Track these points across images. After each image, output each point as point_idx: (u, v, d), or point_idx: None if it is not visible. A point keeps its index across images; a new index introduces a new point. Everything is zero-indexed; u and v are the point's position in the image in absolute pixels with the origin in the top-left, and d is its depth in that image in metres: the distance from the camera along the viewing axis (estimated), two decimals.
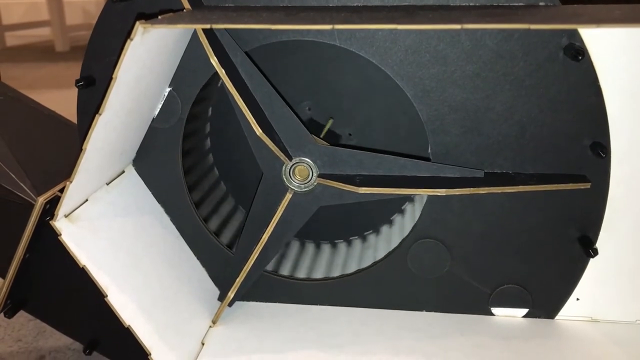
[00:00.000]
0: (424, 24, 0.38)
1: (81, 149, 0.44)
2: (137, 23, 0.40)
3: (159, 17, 0.43)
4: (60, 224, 0.46)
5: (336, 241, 0.69)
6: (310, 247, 0.69)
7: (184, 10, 0.49)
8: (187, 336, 0.53)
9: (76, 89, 0.55)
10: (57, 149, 0.69)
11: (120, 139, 0.50)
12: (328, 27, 0.39)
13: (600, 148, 0.51)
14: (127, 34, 0.40)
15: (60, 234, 0.46)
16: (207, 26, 0.41)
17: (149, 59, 0.45)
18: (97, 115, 0.42)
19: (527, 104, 0.51)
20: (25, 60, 2.64)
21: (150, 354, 0.48)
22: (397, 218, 0.66)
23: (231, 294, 0.57)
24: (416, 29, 0.42)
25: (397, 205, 0.66)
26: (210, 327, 0.57)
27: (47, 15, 2.87)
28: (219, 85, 0.62)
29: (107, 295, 0.47)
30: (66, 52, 2.82)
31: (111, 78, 0.41)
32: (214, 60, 0.48)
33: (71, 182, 0.44)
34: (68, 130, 0.72)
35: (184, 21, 0.42)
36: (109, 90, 0.41)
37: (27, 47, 3.00)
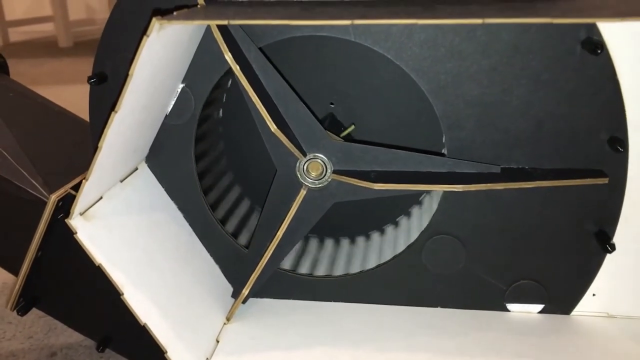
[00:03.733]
0: (444, 19, 0.38)
1: (96, 147, 0.43)
2: (154, 19, 0.39)
3: (174, 13, 0.43)
4: (75, 222, 0.46)
5: (355, 236, 0.68)
6: (329, 244, 0.68)
7: (198, 6, 0.48)
8: (202, 334, 0.53)
9: (80, 85, 0.55)
10: (68, 146, 0.68)
11: (135, 135, 0.49)
12: (347, 22, 0.38)
13: (618, 143, 0.50)
14: (143, 31, 0.40)
15: (76, 232, 0.46)
16: (225, 22, 0.40)
17: (164, 55, 0.44)
18: (113, 113, 0.42)
19: (544, 98, 0.51)
20: (29, 56, 2.64)
21: (166, 352, 0.48)
22: (414, 210, 0.65)
23: (245, 291, 0.57)
24: (437, 23, 0.42)
25: (414, 198, 0.66)
26: (224, 324, 0.56)
27: (50, 11, 2.86)
28: (233, 81, 0.62)
29: (123, 294, 0.47)
30: (69, 48, 2.82)
31: (127, 75, 0.41)
32: (228, 56, 0.48)
33: (87, 180, 0.44)
34: (78, 126, 0.72)
35: (200, 17, 0.41)
36: (124, 88, 0.41)
37: (31, 43, 3.00)
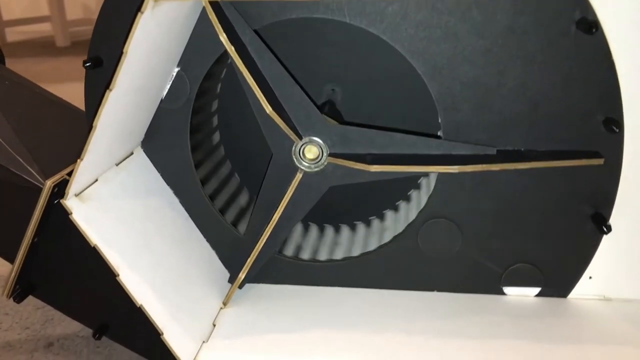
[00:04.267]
0: None
1: (91, 127, 0.43)
2: None
3: None
4: (70, 202, 0.46)
5: (355, 222, 0.68)
6: (330, 230, 0.68)
7: None
8: (199, 317, 0.52)
9: (78, 83, 0.54)
10: (63, 134, 0.68)
11: (130, 117, 0.49)
12: None
13: (614, 123, 0.50)
14: (137, 8, 0.40)
15: (71, 213, 0.45)
16: None
17: (159, 34, 0.44)
18: (107, 91, 0.42)
19: (539, 80, 0.51)
20: (26, 55, 2.63)
21: (162, 334, 0.48)
22: (413, 194, 0.65)
23: (242, 275, 0.56)
24: None
25: (412, 182, 0.66)
26: (221, 308, 0.56)
27: (47, 10, 2.86)
28: (228, 68, 0.61)
29: (118, 275, 0.47)
30: (67, 47, 2.81)
31: (121, 53, 0.41)
32: (223, 37, 0.48)
33: (82, 159, 0.44)
34: (73, 115, 0.72)
35: None
36: (119, 66, 0.41)
37: (28, 43, 3.00)
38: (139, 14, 0.39)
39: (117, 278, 0.47)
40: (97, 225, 0.47)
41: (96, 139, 0.44)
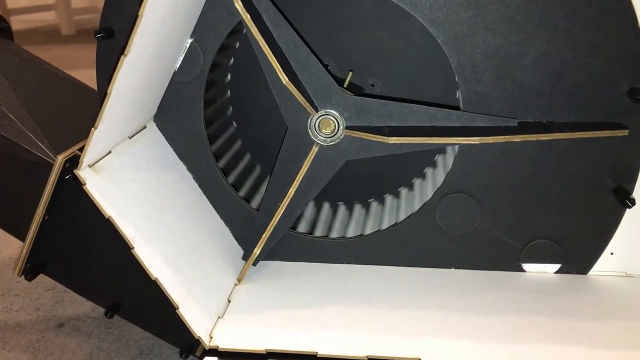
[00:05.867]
0: None
1: (105, 94, 0.42)
2: None
3: None
4: (84, 173, 0.45)
5: (369, 200, 0.67)
6: (342, 207, 0.67)
7: None
8: (214, 292, 0.52)
9: (84, 70, 0.53)
10: (73, 110, 0.67)
11: (143, 87, 0.48)
12: None
13: (639, 93, 0.49)
14: None
15: (85, 183, 0.44)
16: None
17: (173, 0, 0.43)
18: (122, 56, 0.41)
19: (562, 49, 0.49)
20: (32, 44, 2.62)
21: (177, 308, 0.47)
22: (428, 171, 0.64)
23: (257, 251, 0.56)
24: None
25: (428, 158, 0.64)
26: (235, 285, 0.55)
27: None
28: (242, 35, 0.60)
29: (133, 247, 0.46)
30: (72, 36, 2.80)
31: (136, 16, 0.40)
32: (238, 5, 0.46)
33: (95, 128, 0.43)
34: (83, 91, 0.71)
35: None
36: (134, 30, 0.40)
37: (33, 31, 2.99)
38: None
39: (131, 251, 0.46)
40: (111, 197, 0.46)
41: (110, 107, 0.43)
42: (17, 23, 2.98)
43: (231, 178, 0.61)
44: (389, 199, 0.66)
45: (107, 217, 0.45)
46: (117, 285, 0.59)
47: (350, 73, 0.62)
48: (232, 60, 0.63)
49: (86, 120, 0.63)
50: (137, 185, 0.49)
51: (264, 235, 0.55)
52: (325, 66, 0.60)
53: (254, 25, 0.47)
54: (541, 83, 0.51)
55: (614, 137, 0.50)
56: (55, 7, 2.82)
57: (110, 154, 0.49)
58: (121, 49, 0.41)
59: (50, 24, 3.08)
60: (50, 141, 0.59)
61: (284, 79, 0.49)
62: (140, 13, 0.39)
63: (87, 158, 0.44)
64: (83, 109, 0.66)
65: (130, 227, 0.46)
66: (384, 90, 0.62)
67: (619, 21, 0.48)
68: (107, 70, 0.54)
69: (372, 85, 0.63)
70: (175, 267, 0.48)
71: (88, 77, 0.53)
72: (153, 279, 0.46)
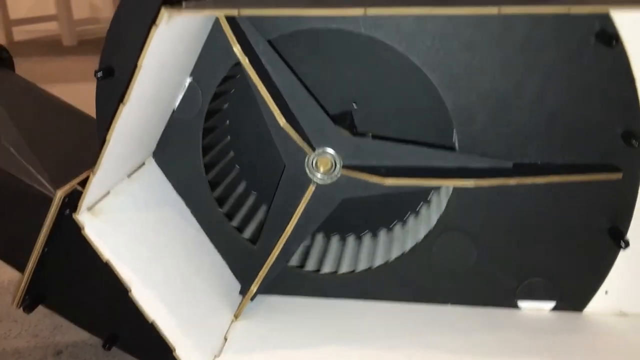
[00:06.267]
0: (458, 9, 0.37)
1: (104, 140, 0.43)
2: (162, 9, 0.39)
3: (183, 3, 0.42)
4: (83, 217, 0.45)
5: (361, 234, 0.68)
6: (335, 240, 0.68)
7: None
8: (210, 331, 0.52)
9: (85, 83, 0.54)
10: (73, 140, 0.68)
11: (142, 129, 0.49)
12: (360, 12, 0.38)
13: (633, 137, 0.50)
14: (152, 21, 0.39)
15: (84, 228, 0.45)
16: (235, 12, 0.40)
17: (173, 46, 0.44)
18: (121, 105, 0.41)
19: (557, 92, 0.50)
20: (33, 54, 2.63)
21: (174, 350, 0.47)
22: (423, 208, 0.65)
23: (254, 288, 0.56)
24: (452, 14, 0.41)
25: (422, 196, 0.65)
26: (232, 321, 0.56)
27: (54, 9, 2.86)
28: (241, 74, 0.61)
29: (131, 290, 0.46)
30: (74, 47, 2.81)
31: (135, 67, 0.40)
32: (236, 48, 0.47)
33: (94, 174, 0.43)
34: (84, 122, 0.72)
35: (209, 7, 0.40)
36: (133, 79, 0.40)
37: (35, 42, 3.00)
38: (154, 27, 0.39)
39: (129, 294, 0.46)
40: (110, 240, 0.46)
41: (109, 153, 0.43)
42: (18, 33, 2.99)
43: (230, 213, 0.61)
44: (382, 233, 0.66)
45: (104, 260, 0.46)
46: (115, 318, 0.60)
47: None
48: (231, 95, 0.64)
49: (87, 152, 0.64)
50: (135, 225, 0.50)
51: (261, 272, 0.56)
52: (348, 111, 0.61)
53: (252, 69, 0.48)
54: (537, 125, 0.51)
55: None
56: (57, 18, 2.83)
57: (109, 194, 0.49)
58: (120, 97, 0.41)
59: (51, 34, 3.09)
60: (49, 174, 0.60)
61: (282, 121, 0.49)
62: (139, 64, 0.40)
63: (85, 202, 0.45)
64: (84, 140, 0.67)
65: (128, 269, 0.46)
66: (381, 129, 0.63)
67: (613, 65, 0.48)
68: (107, 107, 0.55)
69: (370, 132, 0.63)
70: (172, 309, 0.49)
71: (88, 90, 0.53)
72: (150, 322, 0.47)
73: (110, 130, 0.42)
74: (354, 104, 0.62)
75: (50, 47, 2.84)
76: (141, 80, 0.41)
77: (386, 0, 0.44)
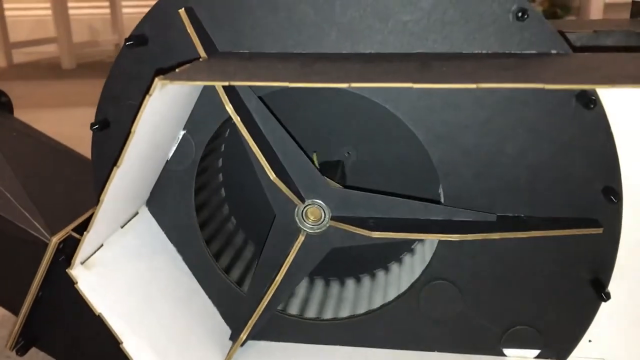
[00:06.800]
0: (439, 82, 0.39)
1: (98, 200, 0.44)
2: (156, 79, 0.40)
3: (177, 70, 0.44)
4: (76, 272, 0.46)
5: (345, 278, 0.69)
6: (319, 285, 0.69)
7: (200, 59, 0.49)
8: None
9: (83, 107, 0.56)
10: (70, 185, 0.69)
11: (136, 184, 0.50)
12: (344, 85, 0.39)
13: (612, 193, 0.51)
14: (146, 90, 0.41)
15: (77, 283, 0.46)
16: (226, 83, 0.41)
17: (166, 109, 0.45)
18: (115, 168, 0.43)
19: (539, 149, 0.52)
20: (32, 77, 2.66)
21: None
22: (406, 257, 0.66)
23: (243, 335, 0.57)
24: (433, 87, 0.42)
25: (407, 245, 0.66)
26: None
27: (54, 32, 2.89)
28: (233, 128, 0.63)
29: (122, 342, 0.47)
30: (73, 70, 2.84)
31: (129, 132, 0.42)
32: (229, 108, 0.49)
33: (88, 232, 0.45)
34: (81, 165, 0.73)
35: (202, 76, 0.42)
36: (127, 144, 0.42)
37: (34, 64, 3.03)
38: (147, 96, 0.40)
39: (120, 346, 0.47)
40: (102, 293, 0.47)
41: (103, 212, 0.45)
42: (18, 56, 3.02)
43: (220, 258, 0.63)
44: (366, 280, 0.68)
45: (97, 314, 0.47)
46: None
47: (315, 154, 0.64)
48: (223, 146, 0.65)
49: (83, 196, 0.65)
50: (127, 276, 0.51)
51: (250, 320, 0.57)
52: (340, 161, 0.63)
53: (244, 127, 0.49)
54: (520, 180, 0.53)
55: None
56: (57, 41, 2.86)
57: (102, 247, 0.50)
58: (114, 160, 0.43)
59: (51, 56, 3.12)
60: (45, 219, 0.61)
61: (272, 175, 0.51)
62: (133, 130, 0.41)
63: (79, 257, 0.46)
64: (81, 184, 0.68)
65: (120, 322, 0.48)
66: (370, 182, 0.64)
67: (593, 125, 0.50)
68: (103, 159, 0.56)
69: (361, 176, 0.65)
70: (163, 357, 0.50)
71: (86, 114, 0.54)
72: None
73: (104, 192, 0.43)
74: (347, 153, 0.64)
75: (49, 69, 2.86)
76: (135, 144, 0.43)
77: (372, 67, 0.45)
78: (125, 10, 3.38)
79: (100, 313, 0.47)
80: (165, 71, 0.44)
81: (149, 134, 0.45)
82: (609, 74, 0.40)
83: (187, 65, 0.46)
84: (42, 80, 2.58)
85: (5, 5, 2.91)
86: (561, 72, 0.42)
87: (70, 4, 2.90)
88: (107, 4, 3.34)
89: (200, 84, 0.44)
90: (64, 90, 2.36)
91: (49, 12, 2.92)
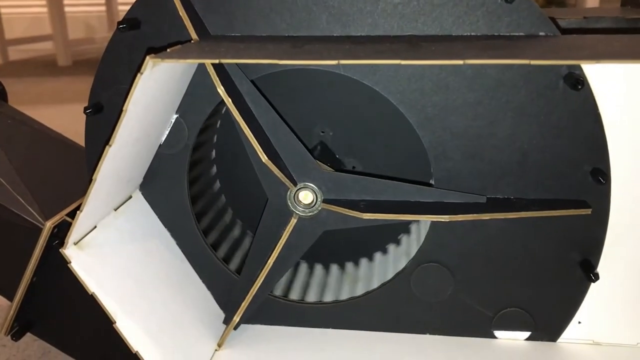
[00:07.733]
0: (427, 59, 0.39)
1: (91, 179, 0.44)
2: (147, 57, 0.41)
3: (168, 50, 0.44)
4: (69, 251, 0.47)
5: (345, 263, 0.69)
6: (319, 269, 0.69)
7: (192, 41, 0.50)
8: None
9: (79, 104, 0.56)
10: (64, 171, 0.69)
11: (129, 166, 0.51)
12: (334, 62, 0.40)
13: (601, 174, 0.52)
14: (137, 68, 0.41)
15: (70, 262, 0.46)
16: (216, 61, 0.42)
17: (158, 89, 0.46)
18: (107, 147, 0.43)
19: (528, 131, 0.52)
20: (28, 74, 2.66)
21: None
22: (403, 238, 0.66)
23: (237, 318, 0.57)
24: (420, 64, 0.43)
25: (403, 226, 0.67)
26: (215, 350, 0.57)
27: (49, 29, 2.89)
28: (225, 111, 0.63)
29: (115, 322, 0.48)
30: (68, 67, 2.84)
31: (121, 110, 0.42)
32: (221, 90, 0.49)
33: (81, 211, 0.45)
34: (75, 152, 0.73)
35: (193, 55, 0.43)
36: (119, 123, 0.42)
37: (30, 62, 3.02)
38: (139, 74, 0.41)
39: (113, 325, 0.47)
40: (95, 273, 0.48)
41: (95, 191, 0.45)
42: (14, 53, 3.01)
43: (214, 242, 0.63)
44: (364, 262, 0.68)
45: (90, 293, 0.47)
46: (103, 345, 0.61)
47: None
48: (217, 129, 0.65)
49: (77, 182, 0.65)
50: (121, 258, 0.51)
51: (244, 302, 0.57)
52: (321, 133, 0.63)
53: (235, 109, 0.50)
54: (509, 162, 0.53)
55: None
56: (53, 38, 2.86)
57: (96, 228, 0.51)
58: (106, 139, 0.43)
59: (46, 54, 3.11)
60: (39, 205, 0.61)
61: (264, 157, 0.51)
62: (124, 108, 0.42)
63: (72, 237, 0.46)
64: (75, 171, 0.69)
65: (113, 302, 0.48)
66: (362, 166, 0.65)
67: (581, 106, 0.51)
68: (96, 143, 0.57)
69: (354, 167, 0.65)
70: (156, 339, 0.50)
71: (82, 110, 0.54)
72: (134, 352, 0.48)
73: (96, 171, 0.43)
74: (322, 132, 0.64)
75: (45, 66, 2.86)
76: (127, 124, 0.43)
77: (362, 47, 0.46)
78: (121, 7, 3.38)
79: (93, 292, 0.47)
80: (156, 51, 0.44)
81: (141, 114, 0.45)
82: (595, 52, 0.40)
83: (179, 45, 0.47)
84: (37, 77, 2.58)
85: (1, 3, 2.91)
86: (548, 50, 0.43)
87: (66, 1, 2.90)
88: (102, 1, 3.34)
89: (191, 61, 0.45)
90: (59, 88, 2.36)
91: (45, 9, 2.92)
